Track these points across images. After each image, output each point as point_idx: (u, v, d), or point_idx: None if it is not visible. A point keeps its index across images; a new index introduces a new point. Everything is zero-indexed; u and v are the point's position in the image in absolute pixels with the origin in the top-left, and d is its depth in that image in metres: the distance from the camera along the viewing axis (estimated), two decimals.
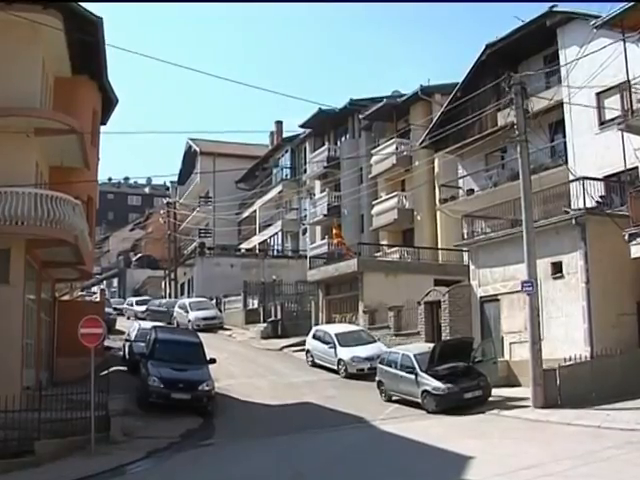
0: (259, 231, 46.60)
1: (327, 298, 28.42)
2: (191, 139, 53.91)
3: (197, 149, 52.91)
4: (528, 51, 23.00)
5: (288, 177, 44.47)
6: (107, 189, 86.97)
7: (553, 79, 21.99)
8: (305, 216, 41.06)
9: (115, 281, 61.61)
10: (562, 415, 13.87)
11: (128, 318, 40.10)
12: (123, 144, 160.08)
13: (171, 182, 68.09)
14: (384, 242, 32.32)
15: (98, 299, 33.04)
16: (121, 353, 24.07)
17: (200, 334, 20.79)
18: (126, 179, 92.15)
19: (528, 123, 16.01)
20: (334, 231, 31.44)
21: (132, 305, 42.05)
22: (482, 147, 24.37)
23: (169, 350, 17.52)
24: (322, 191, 38.36)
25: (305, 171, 41.94)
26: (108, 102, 21.44)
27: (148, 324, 24.05)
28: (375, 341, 22.46)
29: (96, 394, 13.31)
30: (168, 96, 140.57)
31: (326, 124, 38.41)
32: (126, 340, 23.70)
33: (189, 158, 55.48)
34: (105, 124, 22.33)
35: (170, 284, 44.93)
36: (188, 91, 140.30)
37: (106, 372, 15.21)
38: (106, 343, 23.59)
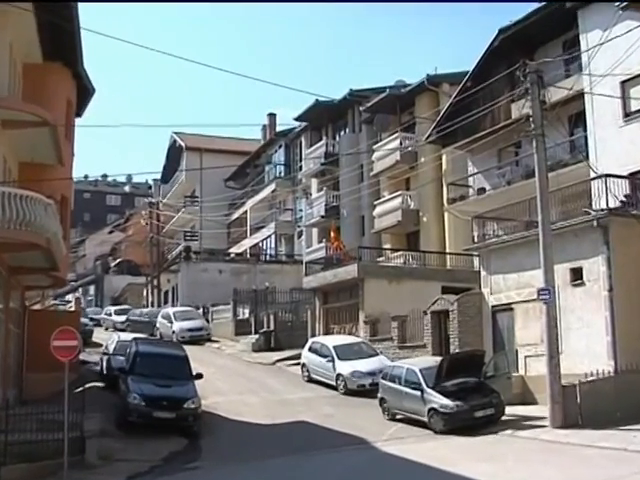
0: (250, 234, 46.60)
1: (325, 307, 28.40)
2: (176, 133, 53.87)
3: (182, 144, 52.86)
4: (545, 36, 22.98)
5: (282, 175, 44.48)
6: (83, 188, 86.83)
7: (573, 67, 21.97)
8: (300, 217, 41.07)
9: (92, 289, 61.50)
10: (583, 436, 13.81)
11: (106, 329, 40.11)
12: (101, 138, 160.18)
13: (154, 180, 67.96)
14: (387, 246, 32.36)
15: (73, 308, 33.00)
16: (98, 368, 23.99)
17: (185, 347, 20.73)
18: (104, 177, 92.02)
19: (545, 115, 15.98)
20: (332, 234, 31.43)
21: (110, 315, 42.00)
22: (494, 142, 24.36)
23: (151, 364, 17.46)
24: (319, 190, 38.37)
25: (300, 168, 41.91)
26: (84, 92, 21.34)
27: (128, 336, 24.02)
28: (377, 354, 22.49)
29: (70, 413, 13.22)
30: (152, 87, 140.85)
31: (323, 117, 38.42)
32: (104, 353, 23.63)
33: (174, 154, 55.44)
34: (80, 116, 22.26)
35: (152, 292, 44.89)
36: (173, 82, 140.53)
37: (81, 389, 15.09)
38: (81, 357, 23.49)
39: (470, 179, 27.01)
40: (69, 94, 20.57)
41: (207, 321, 35.55)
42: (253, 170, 48.55)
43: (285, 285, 34.53)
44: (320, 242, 37.63)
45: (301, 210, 41.08)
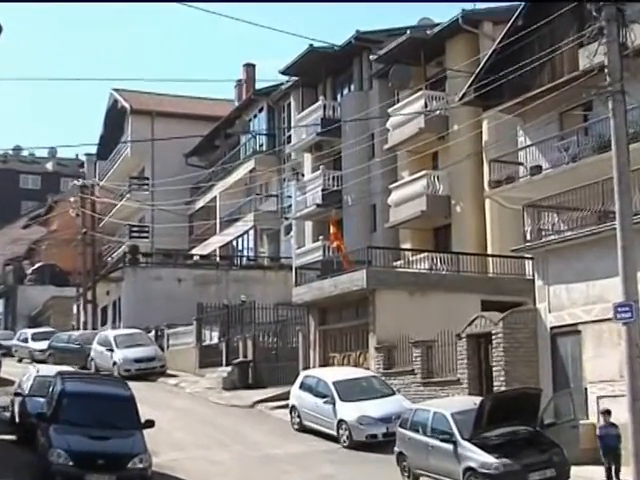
0: (220, 229, 46.74)
1: (322, 329, 28.47)
2: (117, 90, 53.76)
3: (126, 106, 52.87)
4: None
5: (263, 149, 44.54)
6: None
7: None
8: (289, 207, 41.17)
9: (0, 304, 61.37)
10: None
11: (20, 360, 40.27)
12: (14, 97, 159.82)
13: (87, 155, 67.87)
14: (407, 245, 32.45)
15: None
16: (8, 414, 23.90)
17: (131, 384, 20.69)
18: (17, 150, 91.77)
19: (626, 65, 15.90)
20: (331, 229, 31.40)
21: (26, 341, 42.04)
22: (555, 102, 24.29)
23: (83, 409, 17.40)
24: (314, 170, 38.43)
25: (289, 140, 41.99)
26: None
27: (51, 369, 23.91)
28: (393, 393, 22.61)
29: None
30: (85, 28, 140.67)
31: (320, 69, 38.48)
32: (16, 394, 23.54)
33: (114, 119, 55.48)
34: None
35: (85, 308, 44.90)
36: (115, 20, 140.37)
37: None
38: None
39: (521, 154, 26.96)
40: None
41: (161, 348, 35.67)
42: (224, 142, 48.53)
43: (268, 299, 34.58)
44: (316, 240, 37.74)
45: (290, 197, 41.10)
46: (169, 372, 33.90)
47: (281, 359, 30.51)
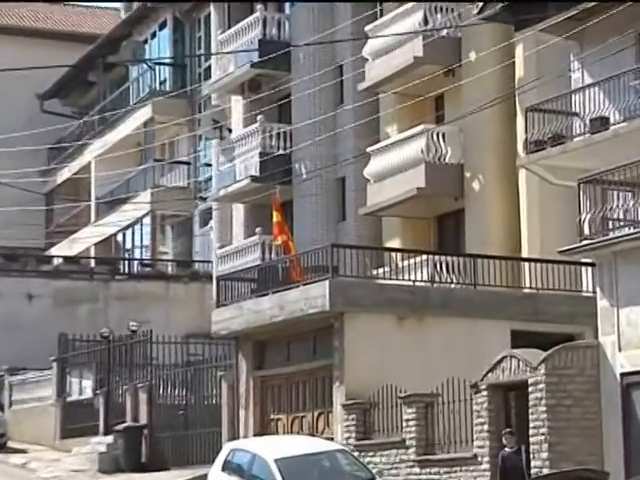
0: (97, 216, 47.02)
1: (259, 375, 28.65)
2: None
3: None
4: None
5: (167, 88, 44.77)
6: None
7: None
8: (208, 181, 41.38)
9: None
10: None
11: None
12: None
13: None
14: (394, 244, 32.76)
15: None
16: None
17: None
18: None
19: None
20: (276, 216, 31.21)
21: None
22: (630, 17, 24.36)
23: None
24: (248, 122, 38.60)
25: (208, 74, 42.10)
26: None
27: None
28: (373, 478, 22.32)
29: None
30: None
31: None
32: None
33: None
34: None
35: None
36: None
37: None
38: None
39: (576, 98, 27.02)
40: None
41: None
42: (103, 77, 48.72)
43: (174, 327, 35.19)
44: (251, 234, 37.93)
45: (209, 165, 41.45)
46: (12, 445, 33.95)
47: (194, 424, 30.60)
